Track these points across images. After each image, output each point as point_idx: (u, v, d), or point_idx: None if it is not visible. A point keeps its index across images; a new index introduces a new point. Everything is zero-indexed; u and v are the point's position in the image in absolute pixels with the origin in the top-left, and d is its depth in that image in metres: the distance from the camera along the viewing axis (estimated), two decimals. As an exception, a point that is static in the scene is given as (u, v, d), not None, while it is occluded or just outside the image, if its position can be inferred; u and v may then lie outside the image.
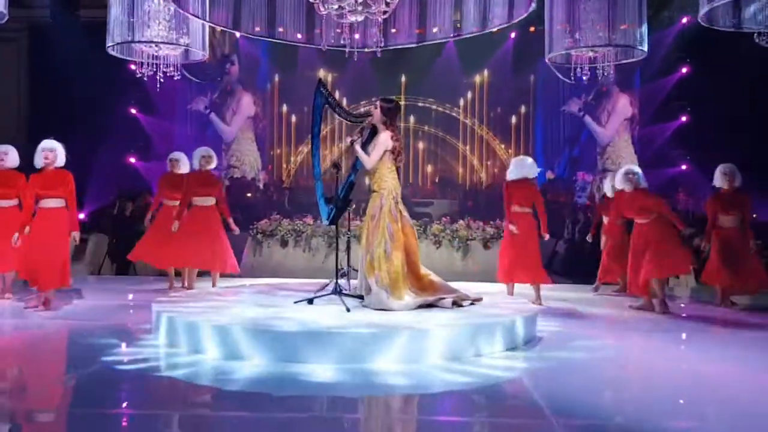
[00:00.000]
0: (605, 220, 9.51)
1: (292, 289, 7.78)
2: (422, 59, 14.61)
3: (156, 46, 9.14)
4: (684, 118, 14.47)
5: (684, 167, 14.27)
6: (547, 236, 8.43)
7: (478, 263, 11.43)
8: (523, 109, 16.00)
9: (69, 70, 13.54)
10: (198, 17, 8.15)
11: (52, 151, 7.58)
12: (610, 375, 5.48)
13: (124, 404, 4.75)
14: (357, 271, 7.05)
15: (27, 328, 6.96)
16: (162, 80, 9.54)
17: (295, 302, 6.73)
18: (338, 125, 15.22)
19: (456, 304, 6.61)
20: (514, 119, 16.02)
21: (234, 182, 15.24)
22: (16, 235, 7.55)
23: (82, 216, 13.25)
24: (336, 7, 6.93)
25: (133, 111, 14.77)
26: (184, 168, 9.52)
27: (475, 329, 5.79)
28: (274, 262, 11.68)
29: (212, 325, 5.66)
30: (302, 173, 16.53)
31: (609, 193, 9.49)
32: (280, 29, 8.71)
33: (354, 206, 7.22)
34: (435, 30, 8.50)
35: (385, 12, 6.99)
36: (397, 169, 6.79)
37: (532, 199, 8.38)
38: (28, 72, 15.70)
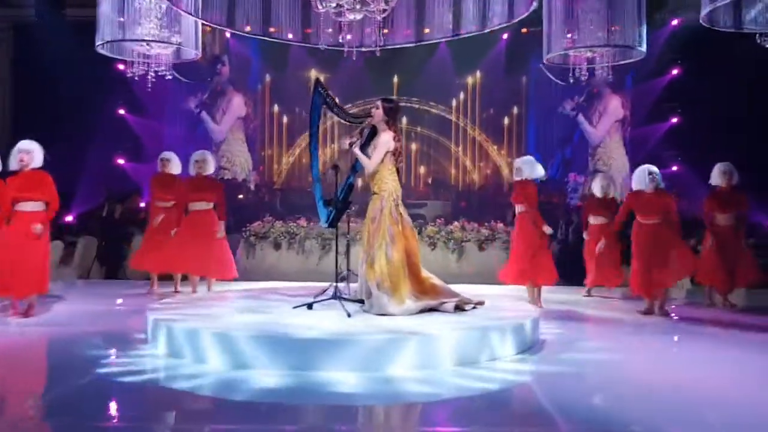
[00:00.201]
0: (594, 221, 9.33)
1: (289, 293, 7.58)
2: (415, 60, 14.44)
3: (147, 44, 8.91)
4: (675, 120, 14.38)
5: (675, 168, 14.17)
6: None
7: (473, 265, 11.30)
8: (515, 110, 15.86)
9: (56, 69, 13.24)
10: (191, 14, 7.91)
11: (28, 153, 7.30)
12: (619, 380, 5.31)
13: (123, 418, 4.46)
14: (356, 275, 6.86)
15: (8, 336, 6.63)
16: (153, 80, 9.30)
17: (294, 307, 6.53)
18: (331, 125, 15.04)
19: (458, 308, 6.44)
20: (506, 120, 15.88)
21: (225, 184, 14.96)
22: None
23: (70, 218, 13.04)
24: (334, 5, 6.72)
25: (122, 111, 14.49)
26: (175, 168, 9.32)
27: (480, 334, 5.62)
28: (267, 264, 11.49)
29: (213, 333, 5.45)
30: (294, 174, 16.31)
31: (598, 194, 9.36)
32: (272, 29, 8.51)
33: (353, 208, 7.01)
34: (426, 31, 8.37)
35: (384, 11, 6.78)
36: (398, 171, 6.61)
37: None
38: (14, 72, 15.37)
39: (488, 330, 5.71)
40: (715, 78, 13.00)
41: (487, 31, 7.79)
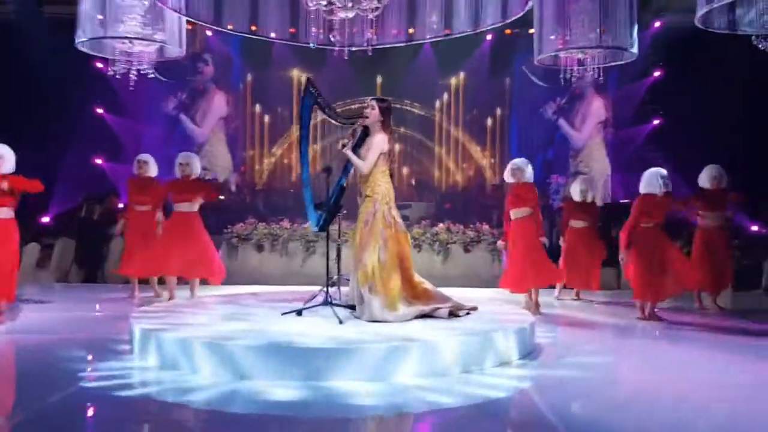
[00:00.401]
0: (574, 224, 9.16)
1: (276, 299, 7.34)
2: (399, 60, 14.24)
3: (129, 42, 8.60)
4: (657, 122, 14.32)
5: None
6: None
7: (459, 267, 11.13)
8: (498, 111, 15.72)
9: (33, 68, 12.86)
10: (177, 11, 7.63)
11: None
12: (619, 388, 5.22)
13: None
14: (348, 279, 6.64)
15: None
16: (135, 78, 8.99)
17: (283, 314, 6.29)
18: (313, 125, 14.76)
19: (452, 314, 6.25)
20: (489, 122, 15.74)
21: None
22: None
23: (47, 219, 12.68)
24: (324, 3, 6.48)
25: (100, 111, 14.13)
26: (152, 170, 9.06)
27: (482, 340, 5.43)
28: (249, 267, 11.24)
29: (205, 342, 5.19)
30: (276, 175, 16.05)
31: (576, 197, 9.20)
32: (253, 27, 8.27)
33: (345, 212, 6.79)
34: (411, 31, 8.18)
35: (376, 9, 6.56)
36: (390, 173, 6.40)
37: None
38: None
39: (490, 336, 5.53)
40: (697, 80, 12.97)
41: (479, 31, 7.59)
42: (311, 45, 7.46)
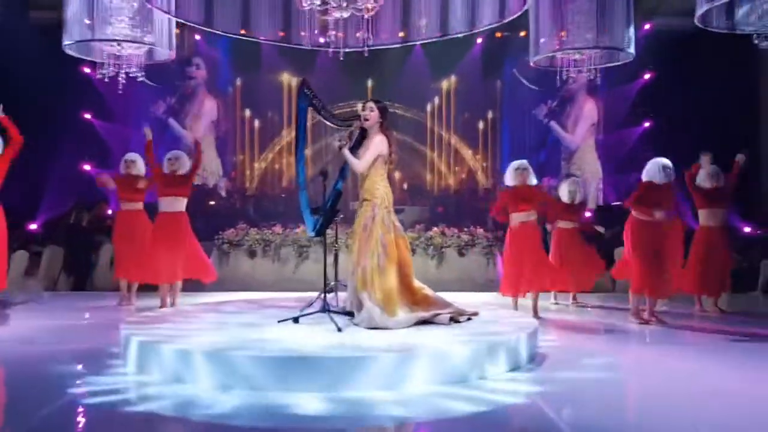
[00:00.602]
0: (562, 225, 8.96)
1: (271, 305, 7.14)
2: (390, 63, 14.06)
3: (118, 45, 8.37)
4: (647, 124, 14.21)
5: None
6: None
7: (454, 271, 10.94)
8: (490, 114, 15.56)
9: (20, 73, 12.59)
10: (166, 12, 7.42)
11: None
12: (627, 394, 5.07)
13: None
14: (345, 285, 6.44)
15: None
16: (124, 82, 8.76)
17: (279, 321, 6.08)
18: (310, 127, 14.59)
19: (453, 320, 6.06)
20: (481, 125, 15.58)
21: (195, 190, 14.39)
22: None
23: (35, 227, 12.41)
24: (319, 2, 6.29)
25: (88, 116, 13.87)
26: (140, 170, 8.82)
27: (482, 348, 5.23)
28: (241, 273, 11.02)
29: (205, 353, 4.95)
30: (267, 180, 15.82)
31: (565, 199, 9.01)
32: (243, 31, 8.08)
33: (342, 216, 6.58)
34: (402, 35, 8.02)
35: (371, 9, 6.37)
36: (389, 176, 6.21)
37: None
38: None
39: (494, 342, 5.35)
40: (688, 82, 12.87)
41: (476, 31, 7.42)
42: (306, 46, 7.25)
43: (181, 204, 8.18)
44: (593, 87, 14.02)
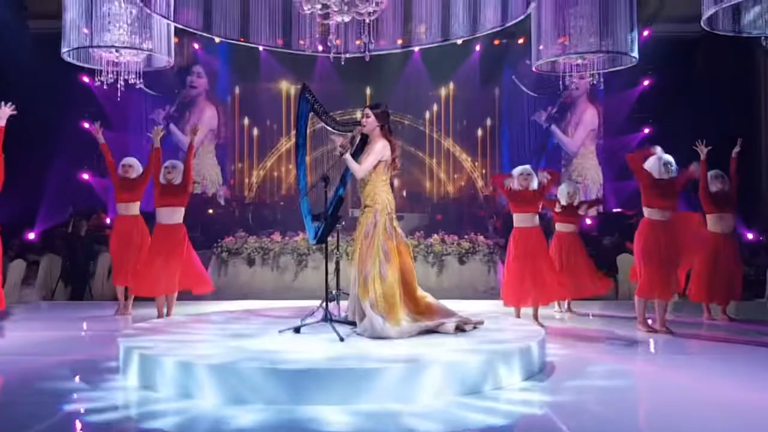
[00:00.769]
0: (562, 228, 8.75)
1: (270, 314, 6.94)
2: (388, 71, 13.93)
3: (116, 51, 8.19)
4: (647, 130, 14.07)
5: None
6: None
7: (454, 279, 10.74)
8: (489, 121, 15.44)
9: (19, 82, 12.43)
10: (165, 17, 7.25)
11: None
12: (641, 407, 4.86)
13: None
14: (347, 293, 6.25)
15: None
16: (122, 89, 8.58)
17: (280, 331, 5.89)
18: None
19: (459, 329, 5.85)
20: (480, 132, 15.45)
21: (194, 198, 14.22)
22: None
23: (32, 236, 12.22)
24: (320, 6, 6.12)
25: (86, 125, 13.68)
26: (135, 175, 8.61)
27: (490, 359, 5.04)
28: (240, 282, 10.83)
29: (209, 366, 4.74)
30: (266, 188, 15.67)
31: (563, 201, 8.79)
32: (242, 40, 7.92)
33: (343, 223, 6.40)
34: (400, 41, 7.86)
35: (373, 13, 6.21)
36: (391, 182, 6.03)
37: None
38: (-27, 84, 14.48)
39: (503, 352, 5.17)
40: (687, 88, 12.76)
41: (478, 35, 7.27)
42: (306, 51, 7.08)
43: (178, 215, 7.96)
44: (593, 93, 13.91)
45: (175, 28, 8.59)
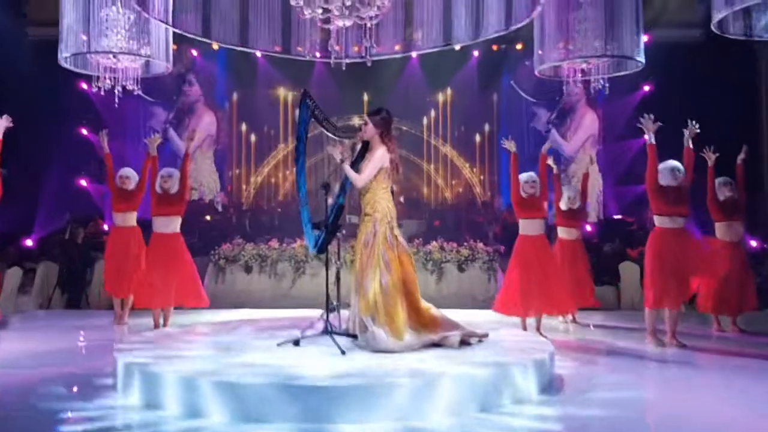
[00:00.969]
0: (566, 235, 8.53)
1: (270, 326, 6.69)
2: (385, 77, 13.68)
3: (114, 57, 7.96)
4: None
5: (649, 185, 13.61)
6: None
7: (454, 287, 10.51)
8: (487, 127, 15.23)
9: (17, 89, 12.21)
10: (164, 22, 7.03)
11: None
12: (656, 427, 4.60)
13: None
14: (348, 304, 6.01)
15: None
16: (120, 95, 8.35)
17: (279, 344, 5.65)
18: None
19: (463, 342, 5.63)
20: (478, 138, 15.24)
21: (191, 205, 13.98)
22: None
23: (30, 243, 11.98)
24: (320, 11, 5.91)
25: (84, 132, 13.46)
26: (134, 186, 8.39)
27: (500, 375, 4.82)
28: (237, 289, 10.61)
29: (215, 382, 4.50)
30: (263, 194, 15.45)
31: (563, 206, 8.58)
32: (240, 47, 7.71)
33: (344, 232, 6.19)
34: (397, 48, 7.66)
35: (375, 17, 5.99)
36: (392, 190, 5.80)
37: None
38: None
39: (512, 367, 4.95)
40: (688, 94, 12.55)
41: (481, 40, 7.06)
42: (307, 56, 6.86)
43: (175, 224, 7.73)
44: (593, 98, 13.71)
45: (174, 34, 8.40)
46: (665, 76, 13.15)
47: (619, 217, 13.60)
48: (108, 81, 8.39)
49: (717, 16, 6.45)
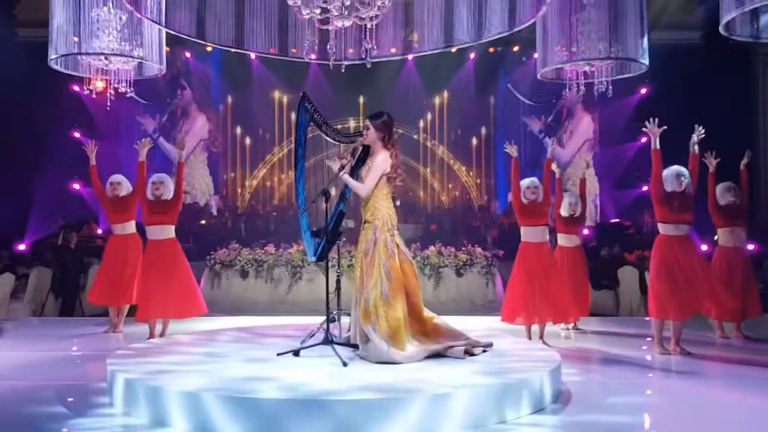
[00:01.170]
0: (566, 242, 8.30)
1: (268, 334, 6.45)
2: (382, 80, 13.51)
3: (106, 59, 7.71)
4: (645, 139, 13.68)
5: (646, 189, 13.43)
6: None
7: (451, 292, 10.30)
8: (483, 130, 15.04)
9: (8, 91, 11.95)
10: (156, 22, 6.79)
11: None
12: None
13: None
14: (348, 314, 5.78)
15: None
16: (112, 97, 8.10)
17: (278, 354, 5.41)
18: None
19: (468, 353, 5.39)
20: (474, 141, 15.05)
21: (185, 208, 13.72)
22: None
23: (22, 247, 11.71)
24: (319, 11, 5.68)
25: (77, 135, 13.19)
26: (125, 192, 8.12)
27: (508, 387, 4.59)
28: (233, 295, 10.41)
29: (219, 396, 4.27)
30: (258, 198, 15.21)
31: (564, 212, 8.35)
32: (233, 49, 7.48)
33: (344, 239, 5.96)
34: (393, 50, 7.43)
35: (375, 17, 5.77)
36: (393, 196, 5.58)
37: None
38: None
39: (519, 379, 4.72)
40: (686, 96, 12.40)
41: (483, 41, 6.85)
42: (305, 59, 6.63)
43: (169, 231, 7.46)
44: (589, 102, 13.53)
45: (167, 36, 8.17)
46: (663, 78, 13.00)
47: (617, 220, 13.42)
48: (100, 83, 8.13)
49: (726, 18, 6.23)
